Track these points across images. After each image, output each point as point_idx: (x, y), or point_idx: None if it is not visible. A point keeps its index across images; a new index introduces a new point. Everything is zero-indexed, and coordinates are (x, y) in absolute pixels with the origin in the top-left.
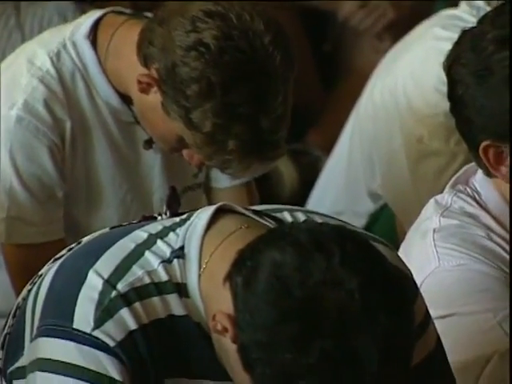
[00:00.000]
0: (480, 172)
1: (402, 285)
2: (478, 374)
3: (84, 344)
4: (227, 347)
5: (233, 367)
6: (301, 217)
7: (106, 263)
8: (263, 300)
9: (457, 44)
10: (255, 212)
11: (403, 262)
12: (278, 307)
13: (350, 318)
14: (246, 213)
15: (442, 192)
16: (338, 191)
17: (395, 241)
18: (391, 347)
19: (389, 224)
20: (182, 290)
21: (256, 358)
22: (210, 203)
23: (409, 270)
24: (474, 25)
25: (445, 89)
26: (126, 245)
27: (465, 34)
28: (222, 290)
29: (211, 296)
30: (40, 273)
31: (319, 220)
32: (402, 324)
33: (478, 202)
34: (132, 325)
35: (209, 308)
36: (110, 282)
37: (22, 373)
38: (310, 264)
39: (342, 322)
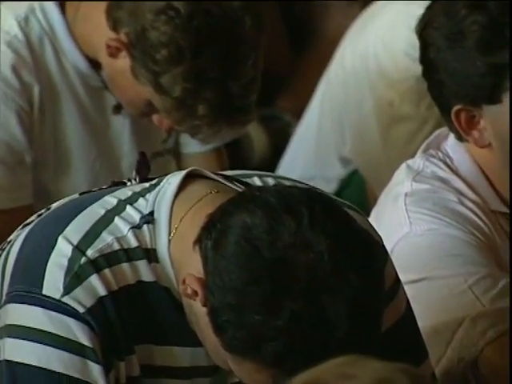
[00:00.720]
0: (452, 137)
1: (372, 247)
2: (449, 338)
3: (53, 310)
4: (197, 311)
5: (203, 331)
6: (270, 182)
7: (76, 229)
8: (233, 262)
9: (429, 8)
10: (225, 177)
11: (373, 228)
12: (247, 269)
13: (320, 279)
14: (216, 178)
15: (413, 157)
16: (309, 157)
17: (366, 206)
18: (361, 309)
19: (359, 189)
20: (151, 255)
21: (226, 320)
22: (180, 169)
23: (379, 235)
24: None
25: (415, 53)
26: (95, 211)
27: None
28: (192, 254)
29: (181, 261)
30: (9, 239)
31: (289, 185)
32: (372, 286)
33: (449, 167)
34: (101, 291)
35: (179, 273)
36: (79, 249)
37: None
38: (279, 226)
39: (311, 283)
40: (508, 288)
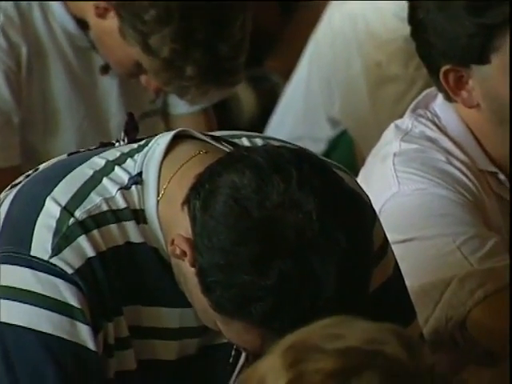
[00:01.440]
0: (440, 97)
1: (360, 207)
2: (437, 298)
3: (41, 271)
4: (186, 271)
5: (191, 291)
6: (259, 142)
7: (64, 190)
8: (221, 222)
9: None
10: (213, 138)
11: (361, 189)
12: (236, 229)
13: (309, 239)
14: (205, 139)
15: (401, 117)
16: (297, 117)
17: (354, 167)
18: (349, 269)
19: (348, 150)
20: (139, 216)
21: (214, 280)
22: (168, 130)
23: (367, 196)
24: None
25: (404, 14)
26: (83, 171)
27: None
28: (181, 214)
29: (170, 221)
30: None
31: (277, 145)
32: (361, 246)
33: (437, 127)
34: (90, 252)
35: (167, 233)
36: (67, 210)
37: None
38: (268, 186)
39: (300, 243)
40: (496, 248)
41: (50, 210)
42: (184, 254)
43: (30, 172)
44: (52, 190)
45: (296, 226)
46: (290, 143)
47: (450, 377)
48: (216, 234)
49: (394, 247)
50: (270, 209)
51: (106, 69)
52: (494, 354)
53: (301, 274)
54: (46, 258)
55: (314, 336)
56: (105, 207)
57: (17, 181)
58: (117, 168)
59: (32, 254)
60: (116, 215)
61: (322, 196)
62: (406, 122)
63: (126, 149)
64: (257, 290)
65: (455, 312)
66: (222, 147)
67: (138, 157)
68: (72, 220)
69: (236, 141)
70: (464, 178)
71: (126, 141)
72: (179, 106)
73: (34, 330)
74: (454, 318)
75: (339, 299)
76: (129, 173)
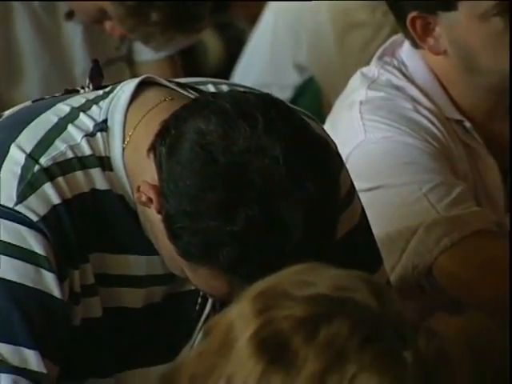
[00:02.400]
0: (407, 43)
1: (328, 154)
2: (404, 246)
3: (6, 219)
4: (152, 218)
5: (158, 238)
6: (225, 89)
7: (29, 137)
8: (187, 168)
9: None
10: (179, 85)
11: (329, 136)
12: (202, 175)
13: (275, 184)
14: (170, 85)
15: (368, 64)
16: (264, 64)
17: (321, 114)
18: (316, 215)
19: (315, 97)
20: (105, 163)
21: (181, 227)
22: (134, 76)
23: (334, 143)
24: None
25: None
26: (48, 118)
27: None
28: (146, 161)
29: (135, 168)
30: None
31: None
32: (328, 192)
33: (404, 74)
34: (55, 199)
35: (133, 181)
36: (32, 157)
37: None
38: (234, 132)
39: (267, 188)
40: (463, 196)
41: (15, 157)
42: (150, 200)
43: None
44: (16, 137)
45: (262, 172)
46: (256, 90)
47: (418, 324)
48: (182, 179)
49: (360, 195)
50: (236, 154)
51: (70, 15)
52: (461, 301)
53: (268, 220)
54: (11, 205)
55: (284, 283)
56: (70, 154)
57: None
58: (82, 115)
59: None
60: (81, 162)
61: (288, 141)
62: (373, 69)
63: (92, 95)
64: (224, 235)
65: (422, 260)
66: (187, 94)
67: (104, 103)
68: (37, 167)
69: (202, 87)
70: (431, 126)
71: (91, 87)
72: (144, 53)
73: None
74: (420, 265)
75: (307, 245)
76: (94, 120)
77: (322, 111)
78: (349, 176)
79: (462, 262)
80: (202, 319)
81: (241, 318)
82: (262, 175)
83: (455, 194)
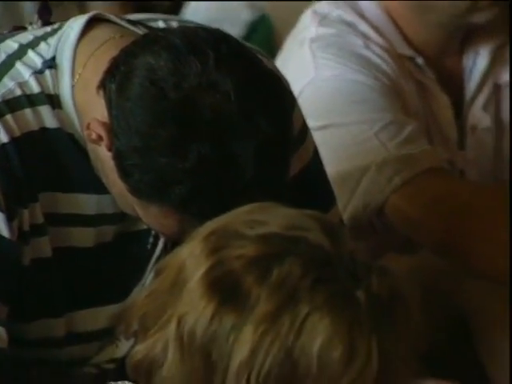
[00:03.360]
0: None
1: (280, 90)
2: (355, 185)
3: None
4: (103, 156)
5: (109, 176)
6: (175, 25)
7: None
8: (138, 105)
9: None
10: (129, 21)
11: (280, 73)
12: (152, 111)
13: (227, 120)
14: (120, 22)
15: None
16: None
17: (273, 51)
18: (269, 153)
19: (267, 34)
20: (54, 101)
21: (132, 164)
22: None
23: (286, 80)
24: None
25: None
26: None
27: None
28: (96, 98)
29: (85, 106)
30: None
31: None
32: (280, 128)
33: (355, 10)
34: (3, 138)
35: (83, 119)
36: None
37: None
38: (184, 68)
39: (218, 124)
40: (414, 134)
41: None
42: (100, 138)
43: None
44: None
45: (213, 107)
46: (207, 26)
47: (371, 263)
48: (132, 116)
49: (312, 134)
50: (187, 90)
51: None
52: (412, 240)
53: (220, 157)
54: None
55: (236, 222)
56: (18, 92)
57: None
58: (30, 52)
59: None
60: (30, 100)
61: (240, 77)
62: (324, 6)
63: (40, 32)
64: (175, 172)
65: (373, 199)
66: (138, 31)
67: (52, 40)
68: None
69: (152, 24)
70: (382, 63)
71: (39, 24)
72: None
73: None
74: (372, 204)
75: (259, 184)
76: (42, 57)
77: (274, 48)
78: (301, 114)
79: (413, 201)
80: (154, 259)
81: (192, 257)
82: (213, 111)
83: (406, 132)
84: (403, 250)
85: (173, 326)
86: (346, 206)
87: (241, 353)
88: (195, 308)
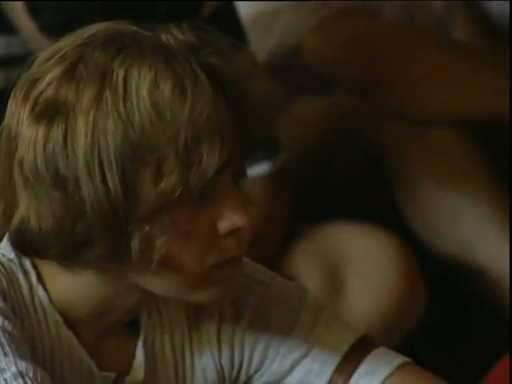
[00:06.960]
0: None
1: None
2: (270, 25)
3: None
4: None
5: (20, 17)
6: None
7: None
8: None
9: None
10: None
11: None
12: None
13: None
14: None
15: None
16: None
17: None
18: None
19: None
20: None
21: (41, 2)
22: None
23: None
24: None
25: None
26: None
27: None
28: None
29: None
30: None
31: None
32: None
33: None
34: None
35: None
36: None
37: None
38: None
39: None
40: None
41: None
42: None
43: None
44: None
45: None
46: None
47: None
48: None
49: None
50: None
51: None
52: (327, 81)
53: None
54: None
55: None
56: None
57: None
58: None
59: None
60: None
61: None
62: None
63: None
64: (84, 9)
65: (289, 39)
66: None
67: None
68: None
69: None
70: None
71: None
72: None
73: None
74: (287, 45)
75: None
76: None
77: None
78: None
79: (329, 41)
80: None
81: (15, 109)
82: None
83: None
84: (318, 91)
85: (16, 175)
86: (262, 46)
87: (82, 148)
88: (29, 146)
